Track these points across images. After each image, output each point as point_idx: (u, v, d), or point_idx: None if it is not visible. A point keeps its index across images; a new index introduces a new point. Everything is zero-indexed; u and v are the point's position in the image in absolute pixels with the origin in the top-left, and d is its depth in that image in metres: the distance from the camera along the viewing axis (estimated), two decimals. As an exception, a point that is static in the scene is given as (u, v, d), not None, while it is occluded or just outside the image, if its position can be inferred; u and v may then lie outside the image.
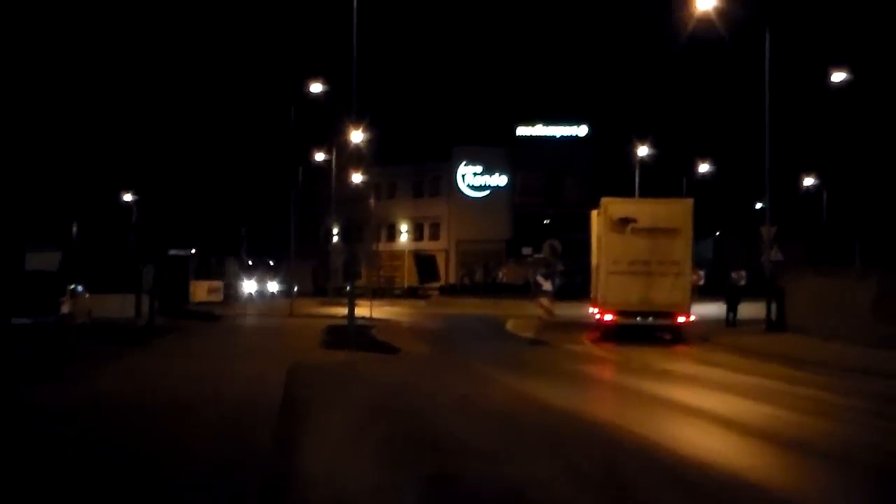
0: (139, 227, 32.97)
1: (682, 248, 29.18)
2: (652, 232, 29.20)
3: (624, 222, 29.48)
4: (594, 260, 32.09)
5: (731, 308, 35.67)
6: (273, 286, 69.16)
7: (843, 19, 67.38)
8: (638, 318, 29.21)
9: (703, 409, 14.99)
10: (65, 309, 25.21)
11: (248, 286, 63.67)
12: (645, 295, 28.95)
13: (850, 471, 10.59)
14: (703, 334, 32.07)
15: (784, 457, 11.45)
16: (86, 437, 11.97)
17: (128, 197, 64.80)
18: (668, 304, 28.89)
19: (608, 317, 29.52)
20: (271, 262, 73.28)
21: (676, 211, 29.85)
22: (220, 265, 59.78)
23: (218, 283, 57.36)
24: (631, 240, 29.21)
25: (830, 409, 15.46)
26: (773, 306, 33.71)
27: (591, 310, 31.89)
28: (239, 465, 10.24)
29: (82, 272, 29.57)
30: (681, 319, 29.08)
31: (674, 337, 29.38)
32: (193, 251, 54.05)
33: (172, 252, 47.56)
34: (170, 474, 9.87)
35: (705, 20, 33.51)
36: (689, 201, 30.49)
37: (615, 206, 30.15)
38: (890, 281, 27.33)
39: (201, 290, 53.50)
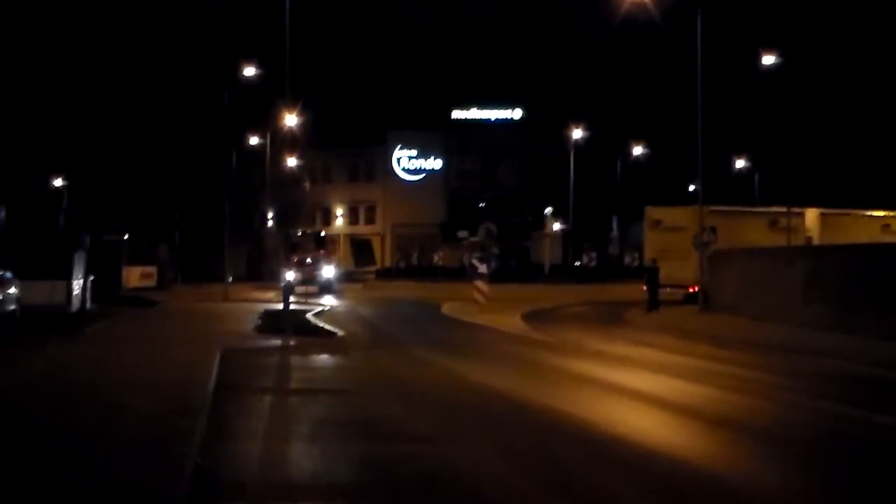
0: (70, 213, 32.35)
1: (689, 240, 36.70)
2: (672, 229, 40.29)
3: (657, 223, 41.45)
4: None
5: (652, 291, 35.47)
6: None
7: (774, 3, 68.11)
8: (668, 289, 38.61)
9: (637, 390, 15.14)
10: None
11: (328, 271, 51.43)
12: (669, 272, 37.84)
13: (779, 447, 10.77)
14: (636, 316, 32.50)
15: (716, 435, 11.61)
16: (14, 423, 11.77)
17: (58, 182, 63.87)
18: (682, 279, 38.85)
19: None
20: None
21: (686, 214, 40.03)
22: (153, 250, 59.15)
23: (151, 269, 56.82)
24: (661, 235, 40.82)
25: (760, 387, 15.69)
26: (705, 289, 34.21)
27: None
28: (171, 449, 10.14)
29: (10, 258, 29.04)
30: (691, 290, 38.09)
31: (687, 299, 37.95)
32: (126, 236, 53.41)
33: (105, 237, 46.94)
34: (101, 458, 9.74)
35: (638, 3, 33.73)
36: (694, 207, 38.58)
37: (652, 212, 42.55)
38: (818, 261, 27.77)
39: (134, 276, 52.98)
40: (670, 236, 40.04)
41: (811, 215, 43.94)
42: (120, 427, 11.44)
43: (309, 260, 51.03)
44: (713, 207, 41.66)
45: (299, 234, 58.00)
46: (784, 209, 41.88)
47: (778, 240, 39.47)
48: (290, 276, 48.19)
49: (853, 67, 69.63)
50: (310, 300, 42.13)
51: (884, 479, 9.53)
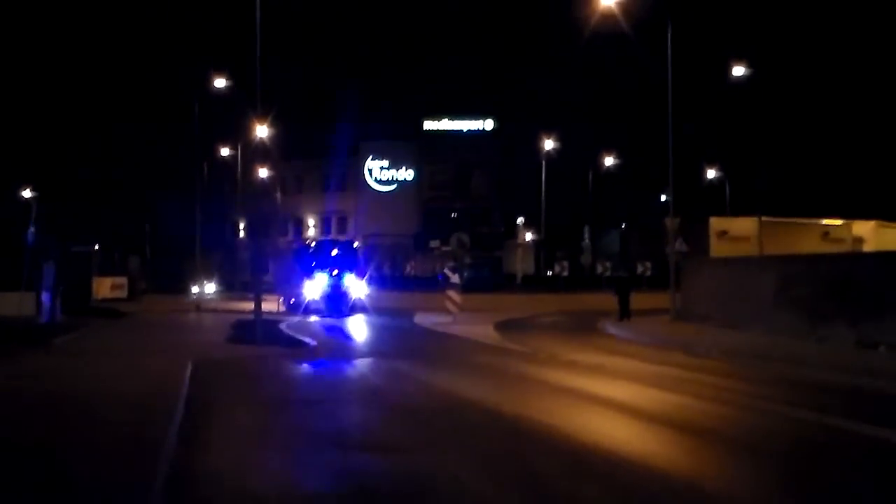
0: (39, 224, 32.21)
1: (750, 249, 40.64)
2: (736, 239, 44.24)
3: (722, 233, 45.10)
4: None
5: (622, 300, 35.36)
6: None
7: (743, 15, 68.61)
8: None
9: (610, 399, 15.12)
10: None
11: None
12: None
13: (752, 456, 10.75)
14: (608, 325, 32.53)
15: (690, 443, 11.59)
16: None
17: (27, 193, 63.51)
18: None
19: None
20: None
21: (748, 225, 43.63)
22: (124, 261, 58.90)
23: (122, 280, 56.60)
24: (725, 245, 43.38)
25: (733, 395, 15.69)
26: (678, 296, 34.30)
27: None
28: (142, 461, 10.04)
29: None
30: None
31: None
32: (96, 247, 53.18)
33: (75, 248, 46.69)
34: (70, 469, 9.65)
35: (608, 15, 33.86)
36: (756, 219, 43.11)
37: (717, 222, 46.70)
38: (789, 270, 27.89)
39: (104, 287, 52.77)
40: (735, 245, 43.29)
41: (866, 227, 48.26)
42: (90, 438, 11.33)
43: (336, 272, 41.44)
44: (769, 218, 45.53)
45: (314, 243, 52.12)
46: (837, 222, 46.51)
47: (830, 249, 41.91)
48: (313, 290, 40.59)
49: (824, 78, 70.17)
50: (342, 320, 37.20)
51: (857, 486, 9.54)
